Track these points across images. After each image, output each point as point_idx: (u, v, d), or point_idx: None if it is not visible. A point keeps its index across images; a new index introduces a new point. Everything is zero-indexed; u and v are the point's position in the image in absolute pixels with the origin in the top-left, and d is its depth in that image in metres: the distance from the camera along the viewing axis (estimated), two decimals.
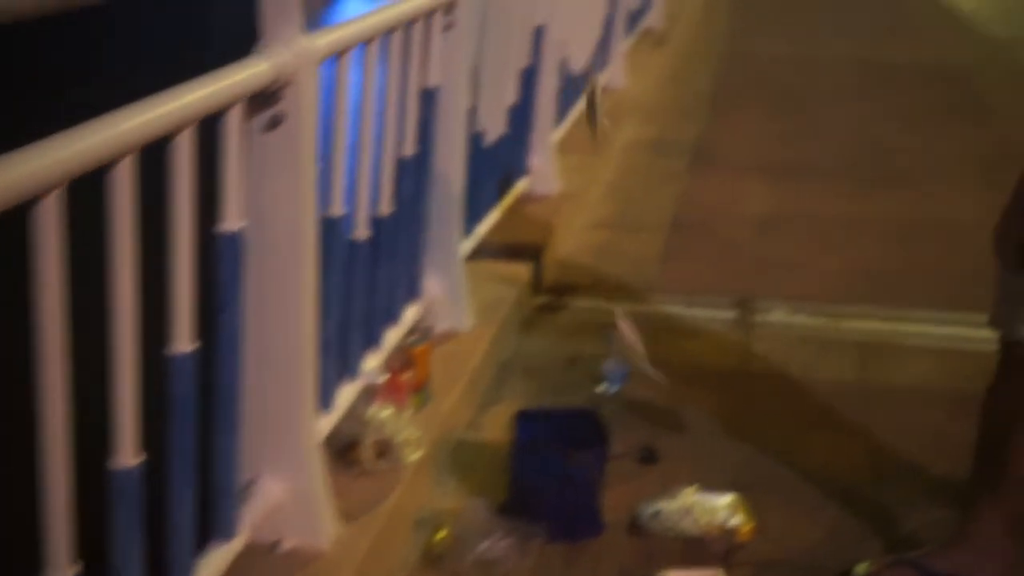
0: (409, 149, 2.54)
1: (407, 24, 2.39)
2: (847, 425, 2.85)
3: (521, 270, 3.51)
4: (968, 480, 2.23)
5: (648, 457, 2.68)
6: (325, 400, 2.17)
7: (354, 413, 2.34)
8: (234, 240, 1.68)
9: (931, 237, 4.19)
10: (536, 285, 3.62)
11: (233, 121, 1.64)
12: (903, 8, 10.28)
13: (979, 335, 3.24)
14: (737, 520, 2.39)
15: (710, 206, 4.57)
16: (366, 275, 2.36)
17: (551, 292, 3.67)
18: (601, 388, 3.00)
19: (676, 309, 3.56)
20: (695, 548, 2.34)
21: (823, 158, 5.29)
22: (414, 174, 2.59)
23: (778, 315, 3.51)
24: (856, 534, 2.39)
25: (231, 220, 1.67)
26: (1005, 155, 4.90)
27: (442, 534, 2.31)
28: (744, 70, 7.25)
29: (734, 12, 10.06)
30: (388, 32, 2.25)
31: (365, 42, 2.12)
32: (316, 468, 2.01)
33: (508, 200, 3.74)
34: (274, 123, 1.78)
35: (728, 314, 3.53)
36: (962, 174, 4.89)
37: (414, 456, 2.32)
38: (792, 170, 5.11)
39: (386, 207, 2.44)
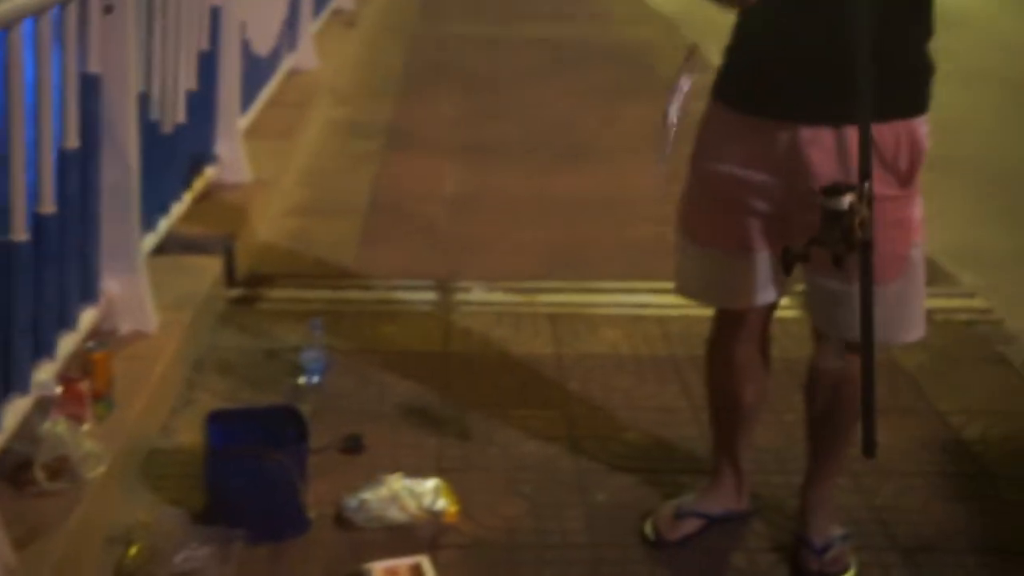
0: (71, 141, 2.36)
1: (56, 7, 2.21)
2: (545, 398, 2.92)
3: (212, 263, 3.37)
4: (712, 431, 2.40)
5: (352, 447, 2.63)
6: None
7: (26, 430, 2.16)
8: None
9: (614, 210, 4.36)
10: (229, 277, 3.49)
11: None
12: None
13: (661, 301, 3.43)
14: (442, 504, 2.39)
15: (405, 188, 4.56)
16: (29, 279, 2.18)
17: (246, 284, 3.55)
18: (302, 380, 2.93)
19: (375, 294, 3.53)
20: (402, 536, 2.32)
21: (513, 137, 5.40)
22: (79, 168, 2.41)
23: (476, 294, 3.55)
24: (556, 506, 2.45)
25: None
26: (679, 129, 5.19)
27: (134, 549, 2.18)
28: (436, 51, 7.30)
29: None
30: (31, 16, 2.07)
31: (6, 29, 1.94)
32: None
33: (195, 191, 3.58)
34: None
35: (427, 295, 3.54)
36: (642, 149, 5.11)
37: (95, 471, 2.17)
38: (484, 149, 5.18)
39: (48, 205, 2.26)
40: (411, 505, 2.38)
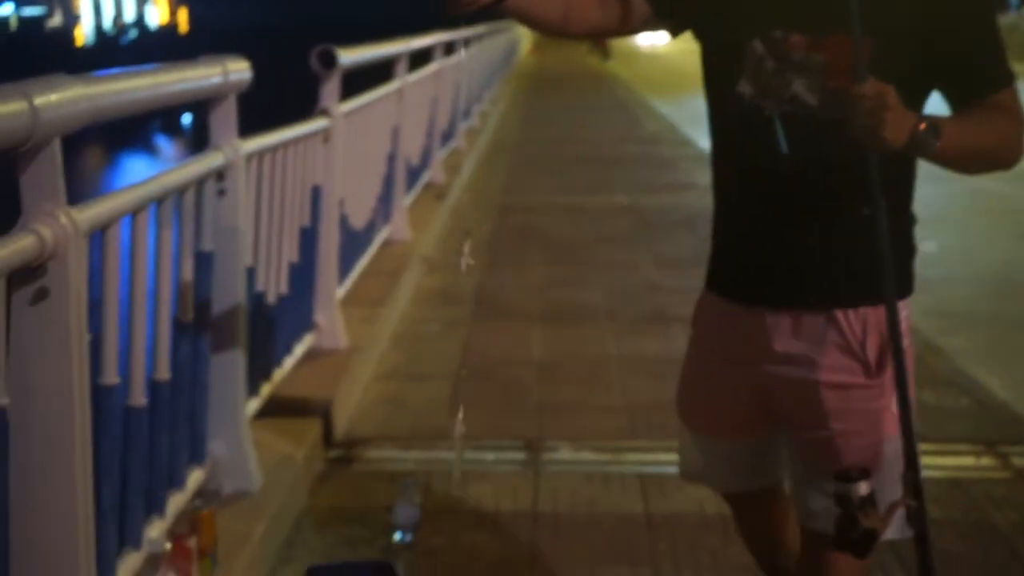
0: (186, 314, 2.55)
1: (177, 192, 2.43)
2: (634, 556, 2.95)
3: (311, 425, 3.51)
4: None
5: None
6: (106, 573, 2.11)
7: None
8: None
9: None
10: (327, 439, 3.63)
11: None
12: (666, 161, 10.99)
13: None
14: None
15: (493, 353, 4.70)
16: (144, 441, 2.33)
17: (342, 445, 3.68)
18: (395, 538, 3.01)
19: (466, 455, 3.63)
20: None
21: (598, 301, 5.55)
22: (192, 338, 2.59)
23: (564, 454, 3.63)
24: None
25: None
26: None
27: None
28: (522, 220, 7.57)
29: (511, 166, 10.52)
30: (158, 201, 2.29)
31: (133, 213, 2.15)
32: None
33: (295, 357, 3.76)
34: (39, 297, 1.77)
35: (516, 456, 3.62)
36: None
37: None
38: (569, 314, 5.32)
39: (163, 372, 2.43)
40: None
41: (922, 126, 1.64)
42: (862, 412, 1.82)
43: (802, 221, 1.80)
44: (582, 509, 3.24)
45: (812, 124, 1.74)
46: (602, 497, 3.31)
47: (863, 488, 1.67)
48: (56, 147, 1.77)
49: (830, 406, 1.85)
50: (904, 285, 1.86)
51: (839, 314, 1.82)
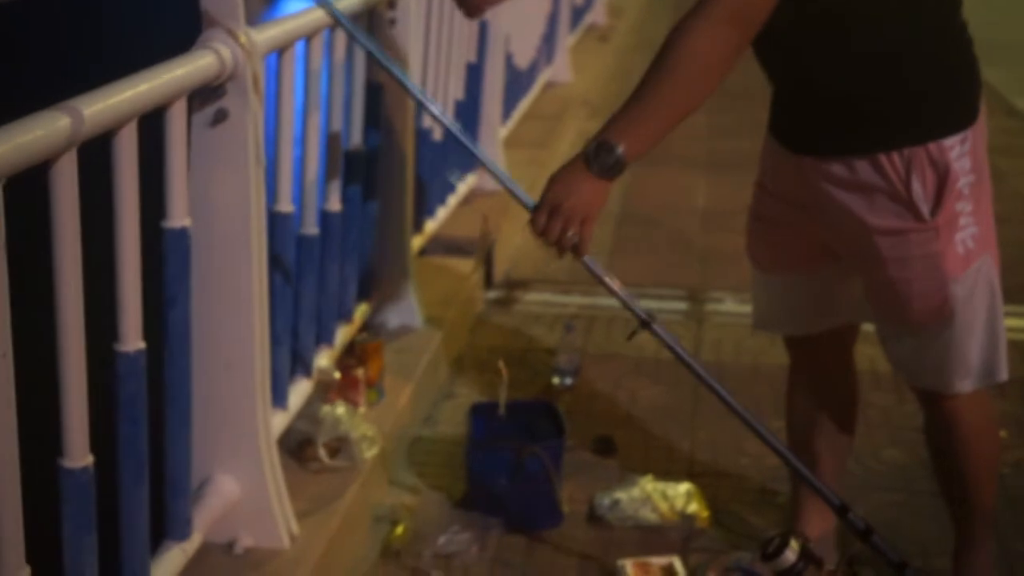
0: (356, 145, 2.53)
1: (351, 19, 2.37)
2: None
3: (472, 265, 3.51)
4: (791, 482, 2.26)
5: (605, 448, 2.68)
6: (279, 397, 2.16)
7: (308, 411, 2.33)
8: (181, 236, 1.66)
9: None
10: (487, 280, 3.62)
11: (176, 116, 1.62)
12: None
13: None
14: (693, 508, 2.40)
15: (656, 200, 4.59)
16: (316, 272, 2.35)
17: (502, 287, 3.67)
18: (555, 381, 3.01)
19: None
20: (653, 536, 2.35)
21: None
22: (362, 170, 2.57)
23: (728, 305, 3.54)
24: None
25: (177, 216, 1.65)
26: None
27: (400, 529, 2.30)
28: None
29: (677, 7, 10.13)
30: (331, 27, 2.24)
31: (308, 37, 2.10)
32: (271, 466, 1.99)
33: (458, 195, 3.74)
34: (219, 118, 1.76)
35: (679, 305, 3.55)
36: None
37: (369, 453, 2.31)
38: (735, 163, 5.13)
39: (335, 203, 2.43)
40: (663, 507, 2.40)
41: (592, 170, 1.72)
42: (921, 257, 1.79)
43: (810, 77, 1.82)
44: (746, 360, 3.16)
45: None
46: (767, 349, 3.21)
47: (789, 557, 1.65)
48: None
49: (887, 254, 1.82)
50: (962, 117, 1.78)
51: (883, 158, 1.77)
